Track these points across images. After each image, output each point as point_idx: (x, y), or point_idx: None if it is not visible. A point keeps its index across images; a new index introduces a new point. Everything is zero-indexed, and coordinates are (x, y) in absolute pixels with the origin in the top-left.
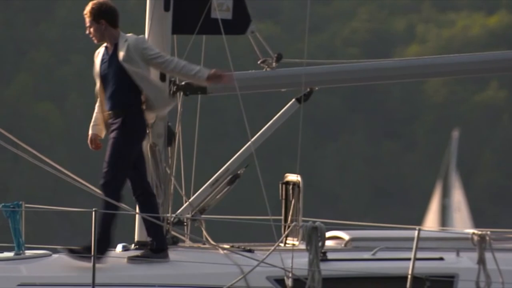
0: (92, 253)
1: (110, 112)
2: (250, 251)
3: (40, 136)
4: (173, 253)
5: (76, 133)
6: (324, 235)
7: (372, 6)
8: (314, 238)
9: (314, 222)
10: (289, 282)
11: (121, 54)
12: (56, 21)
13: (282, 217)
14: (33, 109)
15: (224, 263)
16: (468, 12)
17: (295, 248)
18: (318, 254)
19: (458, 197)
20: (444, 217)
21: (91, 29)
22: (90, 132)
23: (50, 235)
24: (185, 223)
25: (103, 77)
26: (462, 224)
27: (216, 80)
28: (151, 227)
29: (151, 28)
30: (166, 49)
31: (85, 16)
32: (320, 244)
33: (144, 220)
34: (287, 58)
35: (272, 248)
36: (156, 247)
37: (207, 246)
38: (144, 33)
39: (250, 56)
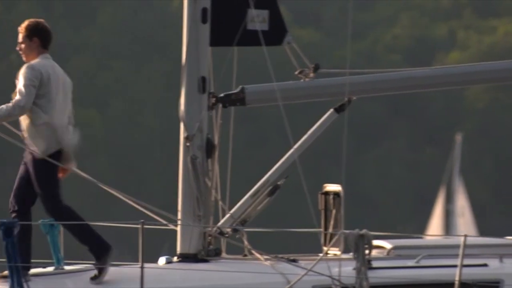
0: (140, 264)
1: (22, 134)
2: (294, 260)
3: (82, 143)
4: (216, 265)
5: (118, 140)
6: (371, 243)
7: (414, 12)
8: (361, 245)
9: (361, 230)
10: None
11: None
12: (98, 27)
13: (322, 227)
14: (75, 116)
15: (270, 273)
16: (510, 18)
17: (337, 257)
18: (365, 262)
19: (461, 202)
20: (448, 222)
21: (22, 46)
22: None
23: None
24: (226, 235)
25: None
26: (466, 229)
27: None
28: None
29: (189, 40)
30: (204, 61)
31: (20, 31)
32: (367, 252)
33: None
34: (327, 65)
35: (319, 257)
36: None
37: (248, 257)
38: (181, 45)
39: (287, 67)
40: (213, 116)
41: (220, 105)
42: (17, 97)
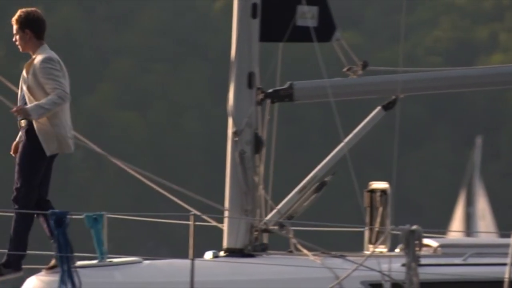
0: (191, 257)
1: (19, 121)
2: (341, 256)
3: (123, 145)
4: (264, 260)
5: (159, 142)
6: (421, 239)
7: (455, 15)
8: (411, 241)
9: (411, 225)
10: (387, 286)
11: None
12: (139, 30)
13: (367, 224)
14: (116, 118)
15: (318, 268)
16: None
17: (385, 254)
18: (416, 258)
19: (482, 204)
20: (469, 225)
21: (17, 37)
22: (17, 139)
23: (135, 244)
24: (272, 231)
25: (21, 86)
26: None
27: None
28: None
29: (238, 36)
30: (253, 56)
31: (12, 23)
32: (417, 248)
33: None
34: (374, 65)
35: (368, 253)
36: (6, 261)
37: (294, 252)
38: (231, 40)
39: (334, 64)
40: (261, 111)
41: (268, 101)
42: (54, 89)
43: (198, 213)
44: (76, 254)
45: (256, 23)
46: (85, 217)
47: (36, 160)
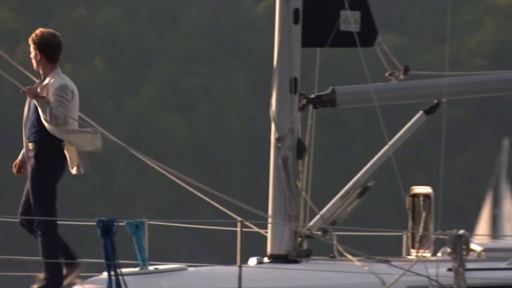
0: (238, 263)
1: (27, 143)
2: (386, 261)
3: (166, 148)
4: (309, 265)
5: (202, 144)
6: (469, 243)
7: (499, 16)
8: (459, 246)
9: (458, 230)
10: None
11: (39, 90)
12: (182, 32)
13: (409, 229)
14: (159, 120)
15: (364, 273)
16: None
17: (430, 259)
18: (463, 262)
19: (509, 206)
20: (495, 227)
21: (31, 55)
22: (19, 157)
23: (175, 249)
24: (315, 236)
25: (28, 107)
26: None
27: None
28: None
29: (281, 41)
30: (296, 62)
31: (29, 40)
32: (464, 252)
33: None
34: (416, 68)
35: (414, 257)
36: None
37: (338, 258)
38: (273, 45)
39: (373, 68)
40: (304, 117)
41: (311, 106)
42: (58, 110)
43: (239, 219)
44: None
45: (298, 29)
46: (126, 224)
47: (48, 183)
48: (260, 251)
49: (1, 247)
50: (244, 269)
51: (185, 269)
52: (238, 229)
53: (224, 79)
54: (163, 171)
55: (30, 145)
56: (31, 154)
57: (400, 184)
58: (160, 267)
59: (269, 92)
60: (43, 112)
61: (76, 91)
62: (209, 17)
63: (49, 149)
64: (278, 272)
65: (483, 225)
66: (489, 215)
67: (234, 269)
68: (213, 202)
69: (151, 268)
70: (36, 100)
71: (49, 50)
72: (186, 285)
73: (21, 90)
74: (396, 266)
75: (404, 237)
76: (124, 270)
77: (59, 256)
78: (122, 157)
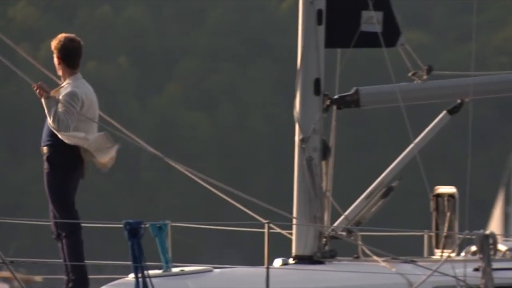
0: (265, 265)
1: (42, 147)
2: (412, 262)
3: (190, 145)
4: (335, 266)
5: (226, 142)
6: (496, 243)
7: None
8: (486, 246)
9: (485, 230)
10: None
11: (52, 93)
12: (206, 30)
13: (433, 229)
14: (183, 119)
15: (391, 274)
16: None
17: (456, 259)
18: (490, 262)
19: None
20: (507, 225)
21: (55, 60)
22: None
23: (200, 250)
24: (340, 237)
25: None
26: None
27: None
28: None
29: (304, 42)
30: (319, 63)
31: (52, 47)
32: (492, 252)
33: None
34: (435, 67)
35: (439, 257)
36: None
37: (362, 258)
38: (290, 46)
39: (398, 68)
40: (327, 117)
41: (335, 107)
42: (66, 118)
43: (266, 220)
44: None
45: (321, 30)
46: (149, 226)
47: (63, 185)
48: (282, 252)
49: (28, 248)
50: (270, 270)
51: (210, 270)
52: (266, 230)
53: (249, 77)
54: (188, 174)
55: (44, 149)
56: (45, 158)
57: (426, 184)
58: (186, 269)
59: (293, 90)
60: (48, 113)
61: (92, 97)
62: (234, 14)
63: (62, 152)
64: (304, 273)
65: (494, 223)
66: (501, 214)
67: (260, 270)
68: (237, 204)
69: (176, 270)
70: (44, 99)
71: (67, 55)
72: (212, 287)
73: (32, 86)
74: (423, 266)
75: (425, 237)
76: (152, 272)
77: (83, 258)
78: (146, 155)
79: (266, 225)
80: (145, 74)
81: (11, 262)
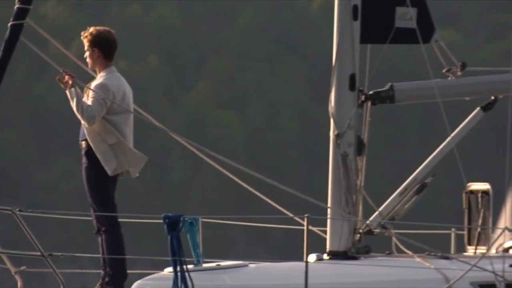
0: (305, 259)
1: (80, 142)
2: (446, 258)
3: (221, 144)
4: (370, 262)
5: (257, 141)
6: None
7: None
8: None
9: None
10: (501, 286)
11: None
12: (237, 29)
13: (465, 225)
14: (214, 117)
15: (425, 269)
16: None
17: (492, 254)
18: None
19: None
20: None
21: (86, 53)
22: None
23: (230, 245)
24: (375, 233)
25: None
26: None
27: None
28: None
29: (340, 38)
30: (355, 59)
31: (83, 38)
32: None
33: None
34: (472, 65)
35: (483, 253)
36: (109, 280)
37: (395, 254)
38: (328, 41)
39: (431, 64)
40: (361, 113)
41: (369, 103)
42: (92, 109)
43: (288, 215)
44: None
45: (357, 25)
46: (181, 221)
47: (102, 180)
48: (311, 248)
49: (58, 242)
50: (304, 265)
51: (246, 265)
52: (305, 224)
53: (279, 75)
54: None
55: (83, 144)
56: (83, 152)
57: (464, 179)
58: (222, 263)
59: (323, 88)
60: (71, 102)
61: (125, 90)
62: (264, 13)
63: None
64: (341, 268)
65: (503, 220)
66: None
67: (295, 265)
68: (270, 201)
69: (208, 265)
70: (68, 89)
71: (107, 46)
72: (249, 282)
73: (61, 70)
74: (461, 261)
75: (453, 234)
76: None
77: (122, 252)
78: (176, 153)
79: (305, 219)
80: (176, 73)
81: (50, 255)
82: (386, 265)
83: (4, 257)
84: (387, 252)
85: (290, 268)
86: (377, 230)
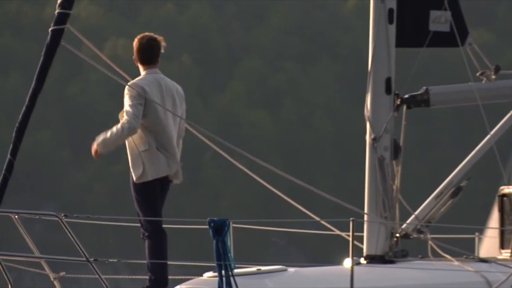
0: (351, 264)
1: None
2: (484, 261)
3: (253, 144)
4: (408, 265)
5: (289, 141)
6: None
7: None
8: None
9: None
10: None
11: None
12: (269, 28)
13: (498, 229)
14: (246, 117)
15: (466, 273)
16: None
17: None
18: None
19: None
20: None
21: None
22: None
23: (263, 248)
24: (411, 236)
25: None
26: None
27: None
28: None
29: (375, 41)
30: (391, 62)
31: None
32: None
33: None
34: (505, 66)
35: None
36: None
37: (432, 258)
38: (361, 41)
39: (463, 68)
40: (398, 117)
41: (405, 106)
42: (124, 117)
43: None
44: (202, 264)
45: (392, 29)
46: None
47: (139, 186)
48: (343, 253)
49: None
50: (344, 269)
51: (285, 270)
52: (350, 227)
53: (312, 75)
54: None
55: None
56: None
57: (506, 180)
58: (262, 268)
59: (356, 87)
60: (111, 142)
61: (159, 93)
62: (297, 13)
63: None
64: (380, 273)
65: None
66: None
67: (335, 269)
68: (295, 203)
69: (253, 269)
70: (99, 156)
71: (141, 54)
72: (292, 286)
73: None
74: (500, 265)
75: (476, 238)
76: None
77: (162, 258)
78: (209, 154)
79: (351, 222)
80: (208, 73)
81: (95, 260)
82: (427, 268)
83: (43, 262)
84: (420, 256)
85: (331, 272)
86: (414, 234)
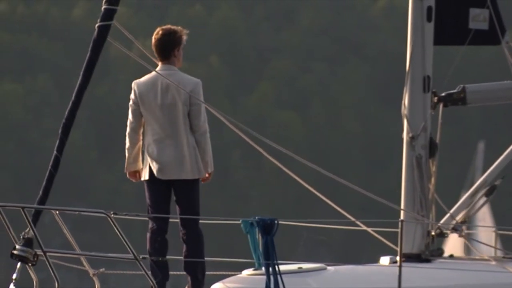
0: (398, 263)
1: None
2: None
3: (282, 145)
4: (446, 265)
5: (318, 142)
6: None
7: None
8: None
9: None
10: None
11: None
12: (298, 29)
13: None
14: (275, 118)
15: (504, 273)
16: None
17: None
18: None
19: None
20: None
21: None
22: None
23: (292, 247)
24: (446, 235)
25: None
26: (487, 235)
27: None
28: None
29: (414, 39)
30: (428, 60)
31: None
32: None
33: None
34: None
35: None
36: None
37: (468, 257)
38: (390, 42)
39: (497, 66)
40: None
41: (441, 104)
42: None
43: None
44: (233, 260)
45: (431, 27)
46: (241, 223)
47: (147, 186)
48: (374, 251)
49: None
50: (385, 268)
51: (324, 268)
52: (399, 227)
53: (340, 76)
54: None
55: None
56: None
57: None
58: (303, 266)
59: (385, 88)
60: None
61: (150, 92)
62: (326, 14)
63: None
64: (419, 272)
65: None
66: None
67: (374, 267)
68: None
69: (294, 267)
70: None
71: (156, 50)
72: (334, 285)
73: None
74: None
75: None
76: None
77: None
78: (237, 152)
79: (400, 223)
80: (237, 74)
81: (144, 258)
82: (464, 268)
83: (83, 259)
84: (449, 255)
85: (370, 271)
86: (449, 233)
